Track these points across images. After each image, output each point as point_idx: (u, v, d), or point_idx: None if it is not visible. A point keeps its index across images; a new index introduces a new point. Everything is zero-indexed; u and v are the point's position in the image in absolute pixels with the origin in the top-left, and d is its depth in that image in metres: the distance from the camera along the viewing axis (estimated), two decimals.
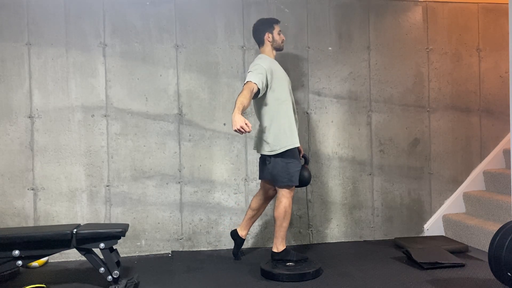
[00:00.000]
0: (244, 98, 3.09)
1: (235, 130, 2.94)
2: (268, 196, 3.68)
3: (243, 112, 3.07)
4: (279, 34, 3.54)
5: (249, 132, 2.96)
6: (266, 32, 3.51)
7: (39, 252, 3.06)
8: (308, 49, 4.22)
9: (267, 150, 3.41)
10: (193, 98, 4.06)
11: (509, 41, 3.39)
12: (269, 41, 3.52)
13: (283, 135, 3.38)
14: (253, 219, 3.75)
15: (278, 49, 3.58)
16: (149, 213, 3.99)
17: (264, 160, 3.52)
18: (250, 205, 3.73)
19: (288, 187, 3.41)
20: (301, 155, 3.70)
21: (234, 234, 3.78)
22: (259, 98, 3.40)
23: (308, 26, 4.22)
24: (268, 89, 3.36)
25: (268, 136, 3.39)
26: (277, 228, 3.45)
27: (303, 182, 3.52)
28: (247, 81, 3.23)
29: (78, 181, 3.90)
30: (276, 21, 3.58)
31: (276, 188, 3.48)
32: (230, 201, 4.10)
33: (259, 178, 3.66)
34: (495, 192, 4.30)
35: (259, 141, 3.49)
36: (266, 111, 3.40)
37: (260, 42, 3.56)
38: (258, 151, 3.55)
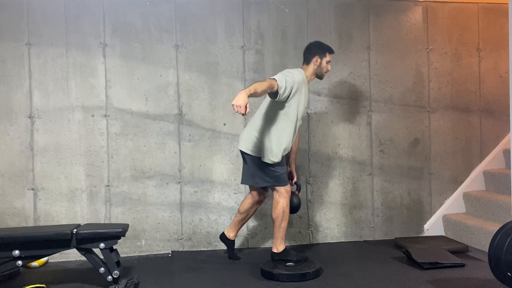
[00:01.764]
0: (260, 87, 3.05)
1: (233, 105, 2.88)
2: (256, 201, 3.66)
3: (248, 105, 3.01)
4: (327, 63, 3.51)
5: (242, 115, 2.90)
6: (317, 55, 3.48)
7: (39, 252, 3.06)
8: None
9: (254, 152, 3.40)
10: (193, 98, 4.06)
11: (509, 41, 3.39)
12: (315, 65, 3.48)
13: (273, 149, 3.36)
14: (241, 222, 3.74)
15: (318, 76, 3.55)
16: (149, 213, 3.99)
17: (245, 161, 3.50)
18: (238, 209, 3.72)
19: (283, 186, 3.41)
20: (293, 182, 3.72)
21: (222, 237, 3.77)
22: (272, 105, 3.37)
23: (308, 26, 4.22)
24: (286, 101, 3.32)
25: (262, 141, 3.37)
26: (276, 229, 3.46)
27: (292, 209, 3.55)
28: (273, 78, 3.20)
29: (78, 181, 3.90)
30: (331, 51, 3.54)
31: (274, 189, 3.46)
32: (230, 201, 4.10)
33: (241, 183, 3.63)
34: (495, 192, 4.30)
35: (248, 139, 3.44)
36: (272, 119, 3.37)
37: (306, 61, 3.52)
38: (242, 148, 3.48)
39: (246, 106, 2.88)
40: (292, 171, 3.73)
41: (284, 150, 3.41)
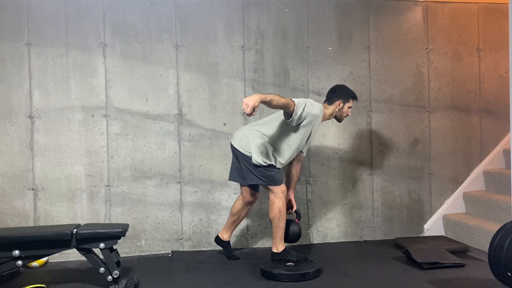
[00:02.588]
0: (277, 100, 3.08)
1: (243, 101, 2.93)
2: (246, 202, 3.67)
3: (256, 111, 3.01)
4: (348, 108, 3.56)
5: (247, 115, 2.94)
6: (340, 100, 3.52)
7: (39, 252, 3.05)
8: (308, 49, 4.22)
9: (250, 153, 3.39)
10: (193, 98, 4.06)
11: (509, 41, 3.39)
12: (337, 108, 3.52)
13: (272, 158, 3.39)
14: (234, 223, 3.76)
15: (337, 119, 3.60)
16: (149, 213, 3.99)
17: (237, 160, 3.50)
18: (231, 211, 3.75)
19: (277, 186, 3.41)
20: (293, 210, 3.73)
21: (217, 240, 3.80)
22: (282, 122, 3.38)
23: (308, 26, 4.22)
24: (295, 127, 3.35)
25: (264, 146, 3.39)
26: (274, 229, 3.45)
27: (292, 237, 3.56)
28: (293, 100, 3.22)
29: (78, 181, 3.90)
30: (355, 97, 3.61)
31: (269, 189, 3.46)
32: (230, 201, 4.10)
33: (229, 179, 3.65)
34: (495, 192, 4.30)
35: (246, 140, 3.44)
36: (275, 136, 3.40)
37: (328, 100, 3.56)
38: (236, 145, 3.48)
39: (254, 109, 2.91)
40: (291, 199, 3.73)
41: (276, 164, 3.43)
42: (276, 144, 3.41)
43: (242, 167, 3.46)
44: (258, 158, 3.36)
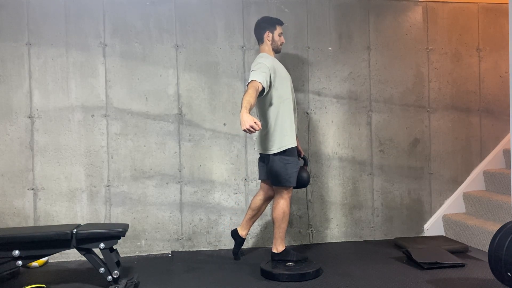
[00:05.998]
0: (251, 97, 3.05)
1: (244, 130, 2.88)
2: (268, 196, 3.67)
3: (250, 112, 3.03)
4: (279, 35, 3.51)
5: (258, 130, 2.92)
6: (267, 31, 3.48)
7: (39, 252, 3.06)
8: (308, 49, 4.22)
9: (268, 149, 3.40)
10: (193, 98, 4.06)
11: (509, 41, 3.39)
12: (268, 40, 3.49)
13: (285, 134, 3.37)
14: (253, 219, 3.74)
15: (275, 50, 3.54)
16: (149, 213, 4.00)
17: (263, 159, 3.52)
18: (250, 205, 3.72)
19: (285, 187, 3.41)
20: (301, 156, 3.70)
21: (234, 233, 3.77)
22: (263, 100, 3.38)
23: (308, 26, 4.22)
24: (272, 87, 3.34)
25: (272, 135, 3.37)
26: (276, 229, 3.45)
27: (302, 183, 3.51)
28: (252, 80, 3.19)
29: (78, 181, 3.90)
30: (280, 22, 3.55)
31: (274, 188, 3.47)
32: (230, 201, 4.10)
33: (259, 178, 3.66)
34: (495, 192, 4.30)
35: (261, 140, 3.47)
36: (269, 110, 3.38)
37: (259, 40, 3.54)
38: (259, 151, 3.54)
39: (255, 122, 2.88)
40: (297, 146, 3.68)
41: (296, 128, 3.45)
42: (279, 112, 3.37)
43: (268, 167, 3.46)
44: (287, 142, 3.37)
